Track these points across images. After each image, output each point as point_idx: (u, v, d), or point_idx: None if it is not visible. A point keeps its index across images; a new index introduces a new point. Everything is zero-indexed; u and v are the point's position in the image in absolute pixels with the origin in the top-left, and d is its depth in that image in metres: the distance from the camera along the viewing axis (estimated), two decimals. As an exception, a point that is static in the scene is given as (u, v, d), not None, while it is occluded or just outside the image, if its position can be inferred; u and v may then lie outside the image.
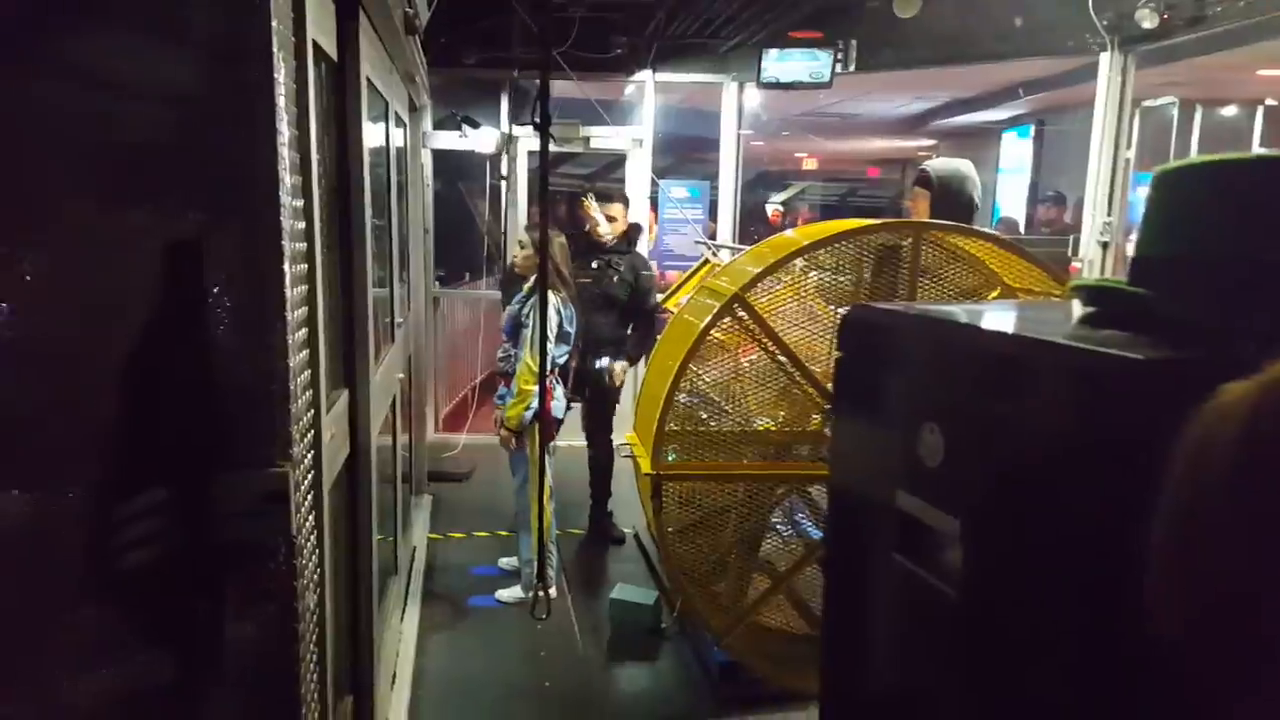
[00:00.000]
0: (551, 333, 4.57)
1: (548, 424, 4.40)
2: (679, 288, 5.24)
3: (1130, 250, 6.44)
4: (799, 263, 3.86)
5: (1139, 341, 1.27)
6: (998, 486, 1.44)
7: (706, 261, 5.28)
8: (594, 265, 5.63)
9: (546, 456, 4.06)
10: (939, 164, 4.28)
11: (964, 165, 4.25)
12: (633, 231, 5.86)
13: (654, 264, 6.22)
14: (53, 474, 1.52)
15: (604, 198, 5.74)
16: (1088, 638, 1.25)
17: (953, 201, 4.10)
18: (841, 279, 3.86)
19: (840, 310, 3.80)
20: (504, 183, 7.43)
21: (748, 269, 3.91)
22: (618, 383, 5.65)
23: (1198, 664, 1.05)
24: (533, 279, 4.51)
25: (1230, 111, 9.72)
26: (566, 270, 4.84)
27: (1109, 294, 1.51)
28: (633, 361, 5.70)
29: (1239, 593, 0.98)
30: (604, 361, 5.58)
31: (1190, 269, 1.35)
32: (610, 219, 5.65)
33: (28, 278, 1.48)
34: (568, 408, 5.21)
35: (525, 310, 4.69)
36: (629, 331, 5.72)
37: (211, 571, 1.60)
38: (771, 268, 3.77)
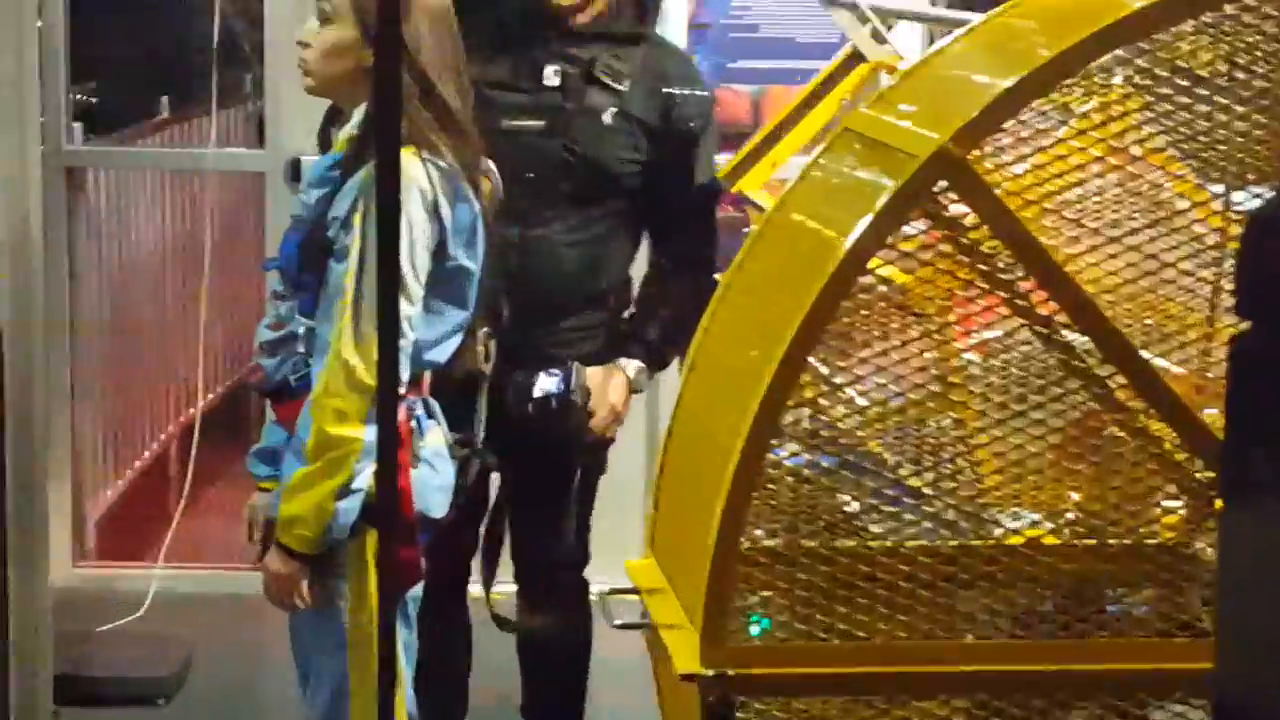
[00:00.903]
0: (420, 269, 1.68)
1: (406, 533, 1.65)
2: (773, 139, 2.34)
3: None
4: (1116, 74, 1.43)
5: None
6: None
7: (856, 55, 2.33)
8: (548, 81, 2.18)
9: (404, 621, 1.50)
10: None
11: None
12: None
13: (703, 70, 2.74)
14: None
15: None
16: None
17: None
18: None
19: (1236, 203, 1.43)
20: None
21: (974, 80, 1.63)
22: (601, 428, 2.24)
23: None
24: (355, 121, 1.76)
25: None
26: (456, 89, 1.89)
27: None
28: (654, 364, 2.33)
29: None
30: (551, 383, 2.12)
31: None
32: None
33: None
34: (470, 482, 1.95)
35: (340, 212, 1.74)
36: (647, 285, 2.38)
37: None
38: (1042, 75, 1.42)
